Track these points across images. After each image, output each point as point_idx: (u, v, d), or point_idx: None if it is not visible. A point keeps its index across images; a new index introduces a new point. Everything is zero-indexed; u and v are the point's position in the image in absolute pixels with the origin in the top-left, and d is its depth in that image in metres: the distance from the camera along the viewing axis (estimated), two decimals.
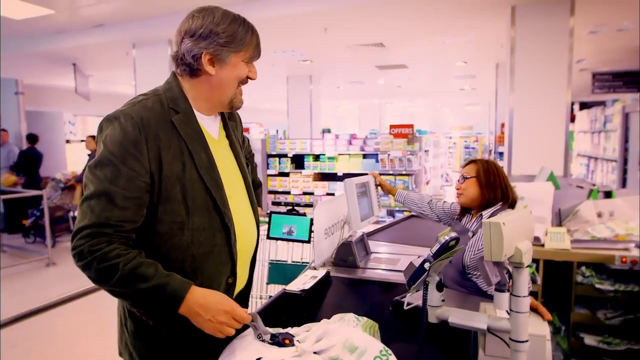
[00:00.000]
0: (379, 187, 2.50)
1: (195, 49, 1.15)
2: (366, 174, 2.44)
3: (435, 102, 17.31)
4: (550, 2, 3.76)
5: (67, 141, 8.52)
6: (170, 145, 1.13)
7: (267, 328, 1.09)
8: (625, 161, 5.94)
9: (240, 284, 1.32)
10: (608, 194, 2.69)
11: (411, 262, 1.23)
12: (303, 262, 2.82)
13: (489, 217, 1.95)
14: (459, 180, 2.04)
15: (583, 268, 2.41)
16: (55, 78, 7.84)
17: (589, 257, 2.37)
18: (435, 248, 1.18)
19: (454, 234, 1.19)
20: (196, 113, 1.23)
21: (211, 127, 1.28)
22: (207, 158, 1.20)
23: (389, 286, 1.99)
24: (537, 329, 1.16)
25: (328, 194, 6.76)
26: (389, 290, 1.95)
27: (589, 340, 2.41)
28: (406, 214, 6.38)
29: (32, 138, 7.29)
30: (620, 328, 2.37)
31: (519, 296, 1.08)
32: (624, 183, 5.92)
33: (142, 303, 1.09)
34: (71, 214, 6.95)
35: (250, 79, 1.26)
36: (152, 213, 1.12)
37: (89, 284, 4.39)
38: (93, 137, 6.64)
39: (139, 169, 1.08)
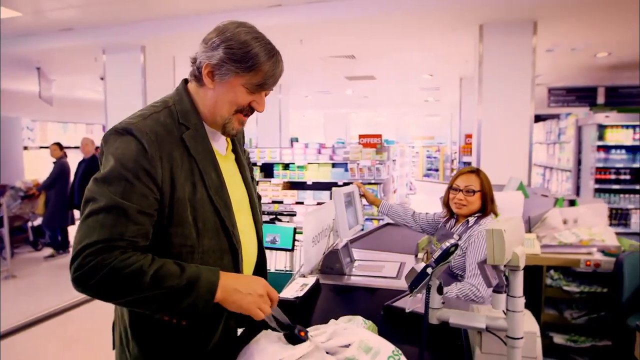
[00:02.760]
0: (363, 197, 2.59)
1: (203, 57, 1.11)
2: (336, 183, 2.52)
3: (398, 113, 17.75)
4: (515, 22, 4.01)
5: (25, 148, 8.14)
6: (182, 164, 1.08)
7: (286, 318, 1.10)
8: (578, 171, 6.34)
9: None
10: (572, 203, 2.90)
11: (413, 268, 1.31)
12: (287, 271, 2.86)
13: (474, 222, 2.08)
14: (460, 191, 2.11)
15: (552, 271, 2.59)
16: (14, 82, 7.50)
17: (557, 261, 2.54)
18: (437, 254, 1.27)
19: (453, 240, 1.28)
20: (205, 127, 1.17)
21: (218, 141, 1.23)
22: (217, 177, 1.15)
23: (376, 292, 2.07)
24: (528, 327, 1.27)
25: (297, 203, 6.80)
26: (377, 295, 2.03)
27: (558, 339, 2.58)
28: (375, 223, 6.53)
29: None
30: (585, 327, 2.55)
31: (515, 297, 1.18)
32: (577, 191, 6.30)
33: (176, 301, 0.99)
34: (30, 224, 6.67)
35: (256, 110, 1.17)
36: (162, 235, 1.05)
37: (54, 300, 4.25)
38: (58, 144, 6.41)
39: (152, 187, 1.02)
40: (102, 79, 6.31)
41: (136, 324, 1.12)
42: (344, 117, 17.22)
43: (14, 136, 7.75)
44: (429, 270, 1.26)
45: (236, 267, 1.17)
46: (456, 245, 1.28)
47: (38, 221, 6.67)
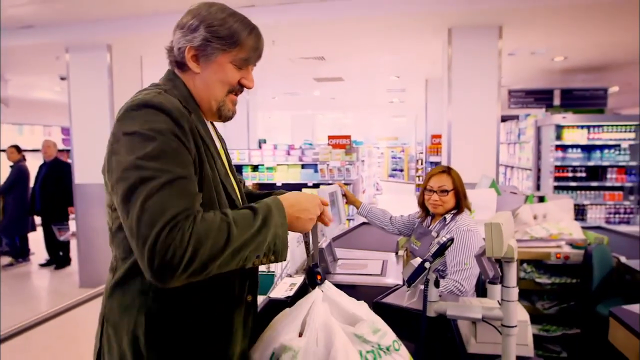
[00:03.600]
0: (344, 197, 2.62)
1: (182, 41, 1.06)
2: (305, 184, 2.54)
3: (364, 114, 17.97)
4: (482, 27, 4.17)
5: None
6: (198, 144, 1.03)
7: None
8: (538, 169, 6.65)
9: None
10: (541, 199, 3.05)
11: (410, 263, 1.36)
12: (268, 272, 2.85)
13: (451, 219, 2.16)
14: (434, 192, 2.18)
15: (525, 265, 2.71)
16: None
17: (530, 254, 2.67)
18: (433, 249, 1.32)
19: (449, 236, 1.33)
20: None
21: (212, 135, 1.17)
22: (222, 165, 1.11)
23: (363, 289, 2.11)
24: (520, 316, 1.33)
25: None
26: (364, 293, 2.06)
27: (531, 329, 2.70)
28: (346, 223, 6.59)
29: None
30: (556, 316, 2.69)
31: (509, 287, 1.24)
32: (538, 189, 6.60)
33: (262, 239, 0.96)
34: None
35: (246, 87, 1.14)
36: None
37: (14, 314, 4.02)
38: (16, 147, 6.10)
39: (191, 159, 0.97)
40: (62, 78, 6.08)
41: (154, 334, 1.00)
42: (310, 119, 17.27)
43: None
44: (427, 264, 1.31)
45: None
46: (452, 240, 1.34)
47: None
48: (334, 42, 5.24)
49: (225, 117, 1.15)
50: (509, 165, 8.36)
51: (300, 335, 1.03)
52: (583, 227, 3.01)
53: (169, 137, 0.93)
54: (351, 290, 2.11)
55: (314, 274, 1.11)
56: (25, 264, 6.16)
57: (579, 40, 5.15)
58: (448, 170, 2.23)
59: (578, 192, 5.77)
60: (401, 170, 18.74)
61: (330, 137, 7.46)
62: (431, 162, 7.97)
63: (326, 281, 1.13)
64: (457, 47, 4.23)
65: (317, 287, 1.11)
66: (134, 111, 0.95)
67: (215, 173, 1.06)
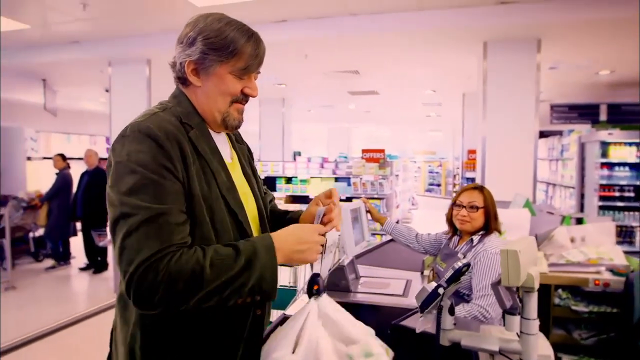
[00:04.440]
0: (368, 213, 2.57)
1: (182, 56, 1.08)
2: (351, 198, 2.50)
3: (400, 128, 17.80)
4: (519, 40, 4.04)
5: (28, 158, 8.14)
6: (194, 162, 1.03)
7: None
8: (582, 188, 6.32)
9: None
10: (579, 221, 2.87)
11: (424, 287, 1.29)
12: (290, 287, 2.83)
13: (479, 241, 2.06)
14: (463, 207, 2.10)
15: (560, 291, 2.55)
16: (19, 92, 7.56)
17: (565, 280, 2.51)
18: (448, 274, 1.25)
19: (465, 261, 1.26)
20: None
21: (223, 151, 1.16)
22: (227, 178, 1.10)
23: (383, 310, 2.04)
24: (542, 350, 1.24)
25: None
26: (384, 314, 2.00)
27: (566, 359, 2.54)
28: (378, 238, 6.49)
29: None
30: (594, 348, 2.51)
31: (529, 319, 1.16)
32: (581, 208, 6.26)
33: (243, 281, 0.96)
34: (31, 235, 6.65)
35: (249, 96, 1.13)
36: None
37: (54, 313, 4.21)
38: (61, 155, 6.42)
39: (178, 183, 0.98)
40: (107, 90, 6.36)
41: (150, 349, 1.03)
42: (345, 132, 17.28)
43: (17, 146, 7.74)
44: (441, 290, 1.24)
45: None
46: (468, 265, 1.27)
47: (39, 232, 6.65)
48: (367, 56, 5.22)
49: (232, 127, 1.15)
50: (551, 183, 8.01)
51: (294, 352, 1.00)
52: (631, 252, 2.82)
53: (151, 168, 0.95)
54: (371, 310, 2.06)
55: (312, 283, 1.08)
56: (66, 267, 6.43)
57: (626, 53, 4.88)
58: (480, 188, 2.15)
59: (625, 212, 5.43)
60: (438, 185, 18.36)
61: (364, 151, 7.42)
62: (467, 178, 7.75)
63: (325, 295, 1.09)
64: (492, 61, 4.11)
65: (312, 299, 1.07)
66: (124, 137, 0.99)
67: (214, 188, 1.06)
